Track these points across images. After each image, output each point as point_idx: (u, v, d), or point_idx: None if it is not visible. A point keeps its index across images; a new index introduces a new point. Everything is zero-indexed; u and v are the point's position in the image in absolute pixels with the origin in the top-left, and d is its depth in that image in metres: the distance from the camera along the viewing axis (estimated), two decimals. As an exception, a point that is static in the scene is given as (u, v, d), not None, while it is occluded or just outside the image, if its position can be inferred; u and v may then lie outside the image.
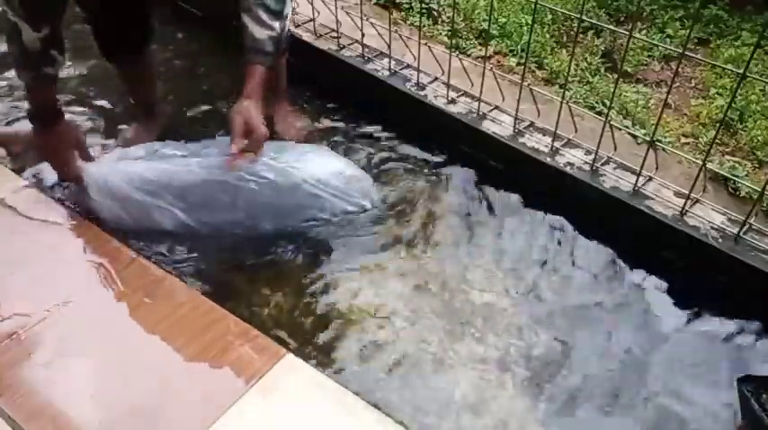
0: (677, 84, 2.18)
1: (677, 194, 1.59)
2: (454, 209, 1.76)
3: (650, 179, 1.63)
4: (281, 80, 1.95)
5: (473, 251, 1.64)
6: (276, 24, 1.44)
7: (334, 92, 2.12)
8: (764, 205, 1.64)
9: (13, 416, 1.13)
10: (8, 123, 1.98)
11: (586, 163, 1.68)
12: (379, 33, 2.05)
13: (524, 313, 1.50)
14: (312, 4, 2.19)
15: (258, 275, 1.56)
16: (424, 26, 2.34)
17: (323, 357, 1.40)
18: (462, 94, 1.92)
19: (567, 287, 1.57)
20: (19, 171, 1.76)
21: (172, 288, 1.38)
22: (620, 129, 1.78)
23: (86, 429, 1.13)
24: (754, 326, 1.46)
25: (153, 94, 1.96)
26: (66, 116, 1.54)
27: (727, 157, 1.88)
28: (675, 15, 2.44)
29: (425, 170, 1.87)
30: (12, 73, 2.10)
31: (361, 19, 2.02)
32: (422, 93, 1.93)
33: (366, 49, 2.07)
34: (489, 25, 1.96)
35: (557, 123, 1.68)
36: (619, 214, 1.61)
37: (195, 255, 1.60)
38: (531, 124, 1.81)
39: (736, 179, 1.68)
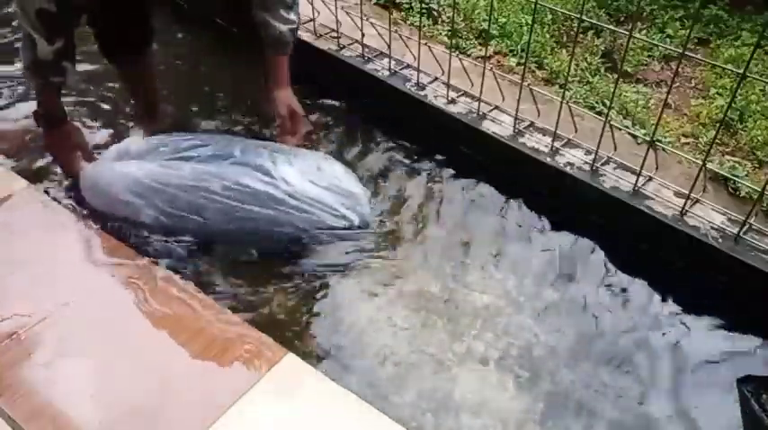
0: (677, 84, 2.18)
1: (677, 194, 1.59)
2: (453, 209, 1.76)
3: (650, 179, 1.63)
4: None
5: (473, 251, 1.64)
6: (293, 16, 1.60)
7: (334, 92, 2.12)
8: (764, 205, 1.64)
9: (13, 416, 1.13)
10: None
11: (586, 163, 1.68)
12: (379, 33, 2.05)
13: (524, 314, 1.50)
14: (312, 4, 2.19)
15: (258, 275, 1.56)
16: (424, 26, 2.34)
17: (323, 357, 1.40)
18: (462, 94, 1.92)
19: (567, 287, 1.57)
20: (19, 171, 1.76)
21: (172, 288, 1.38)
22: (620, 129, 1.78)
23: (86, 429, 1.13)
24: (754, 326, 1.46)
25: (153, 93, 1.97)
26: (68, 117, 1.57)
27: (727, 157, 1.88)
28: (675, 15, 2.44)
29: (425, 170, 1.87)
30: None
31: (361, 19, 2.02)
32: (422, 93, 1.93)
33: (366, 49, 2.07)
34: (489, 25, 1.96)
35: (557, 123, 1.68)
36: (619, 214, 1.61)
37: (196, 255, 1.60)
38: (531, 124, 1.81)
39: (736, 179, 1.68)
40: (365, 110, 2.03)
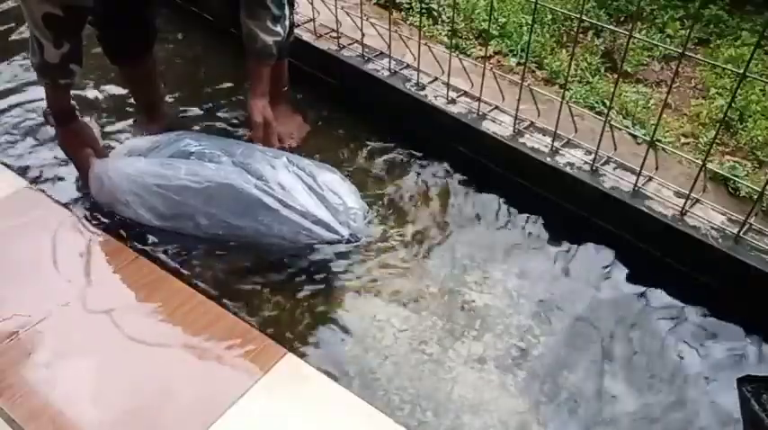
0: (677, 84, 2.18)
1: (677, 194, 1.59)
2: (453, 209, 1.76)
3: (650, 179, 1.63)
4: (281, 81, 1.96)
5: (472, 252, 1.64)
6: (279, 29, 1.60)
7: (334, 92, 2.12)
8: (764, 205, 1.64)
9: (13, 416, 1.14)
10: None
11: (586, 163, 1.68)
12: (379, 33, 2.06)
13: (523, 314, 1.50)
14: (312, 4, 2.19)
15: (258, 275, 1.56)
16: (424, 26, 2.34)
17: (323, 357, 1.40)
18: (462, 94, 1.92)
19: (567, 287, 1.57)
20: (19, 171, 1.76)
21: (172, 288, 1.39)
22: (620, 129, 1.78)
23: (86, 429, 1.13)
24: (754, 326, 1.46)
25: (156, 94, 1.97)
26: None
27: (727, 157, 1.88)
28: (675, 15, 2.44)
29: (424, 170, 1.87)
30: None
31: (361, 19, 2.02)
32: (422, 93, 1.93)
33: (366, 49, 2.07)
34: (489, 25, 1.96)
35: (557, 123, 1.68)
36: (619, 214, 1.61)
37: (195, 255, 1.60)
38: (531, 124, 1.81)
39: (736, 179, 1.68)
40: (365, 110, 2.03)
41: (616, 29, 2.10)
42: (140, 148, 1.66)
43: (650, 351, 1.44)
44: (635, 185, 1.60)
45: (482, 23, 2.35)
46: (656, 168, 1.64)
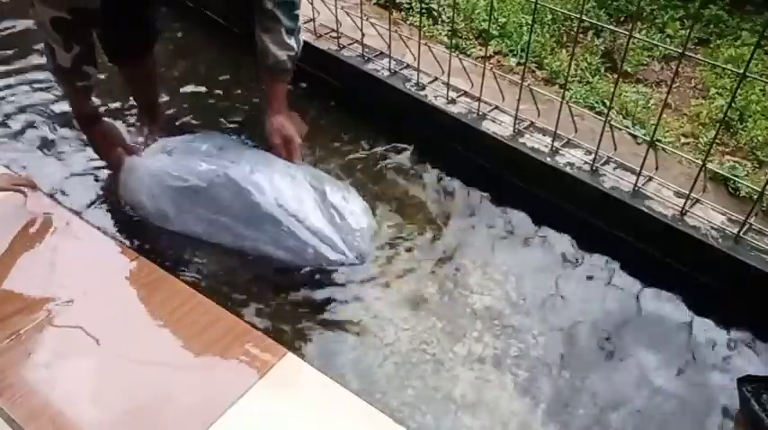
0: (677, 84, 2.18)
1: (677, 194, 1.59)
2: (452, 209, 1.76)
3: (650, 179, 1.63)
4: None
5: (472, 252, 1.64)
6: (293, 42, 1.58)
7: (334, 92, 2.12)
8: (764, 205, 1.63)
9: (13, 416, 1.13)
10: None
11: (586, 163, 1.68)
12: (379, 33, 2.05)
13: (523, 315, 1.50)
14: (312, 4, 2.19)
15: (259, 276, 1.56)
16: (424, 26, 2.34)
17: (323, 357, 1.40)
18: (462, 94, 1.92)
19: (567, 287, 1.57)
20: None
21: (172, 288, 1.38)
22: (620, 129, 1.78)
23: (86, 429, 1.13)
24: (753, 325, 1.46)
25: (156, 94, 1.97)
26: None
27: (727, 157, 1.88)
28: (675, 15, 2.44)
29: (424, 170, 1.87)
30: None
31: (361, 19, 2.02)
32: (422, 93, 1.93)
33: (366, 49, 2.07)
34: (489, 25, 1.96)
35: (557, 123, 1.68)
36: (619, 214, 1.61)
37: (196, 255, 1.60)
38: (531, 124, 1.81)
39: (736, 179, 1.68)
40: (365, 110, 2.03)
41: (616, 29, 2.10)
42: (172, 147, 1.67)
43: (650, 351, 1.44)
44: (635, 185, 1.60)
45: (482, 23, 2.35)
46: (656, 168, 1.64)
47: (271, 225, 1.53)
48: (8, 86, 2.14)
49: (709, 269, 1.51)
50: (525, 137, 1.77)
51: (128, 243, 1.60)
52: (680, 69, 2.19)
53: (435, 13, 2.43)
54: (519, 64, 2.21)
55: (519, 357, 1.41)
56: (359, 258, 1.57)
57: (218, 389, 1.18)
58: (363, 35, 2.05)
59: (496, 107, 1.86)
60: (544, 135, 1.77)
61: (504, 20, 2.37)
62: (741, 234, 1.48)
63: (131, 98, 2.02)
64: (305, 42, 2.10)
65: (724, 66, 1.89)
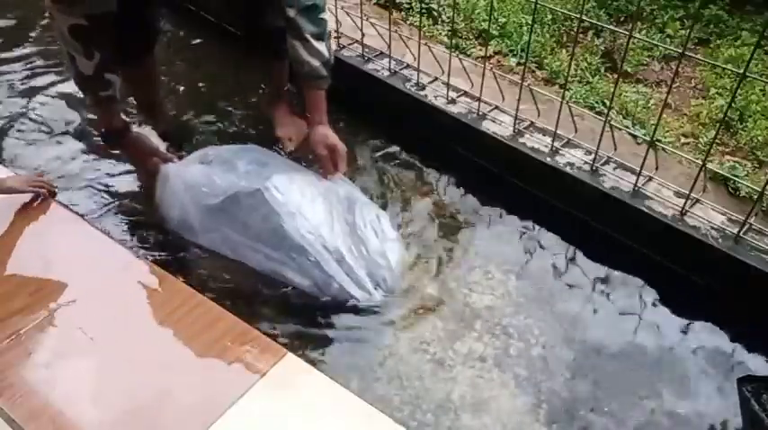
0: (677, 84, 2.18)
1: (677, 194, 1.59)
2: (452, 208, 1.76)
3: (650, 179, 1.63)
4: (282, 81, 1.95)
5: (472, 252, 1.64)
6: (323, 48, 1.53)
7: (334, 92, 2.11)
8: (764, 205, 1.63)
9: (13, 416, 1.13)
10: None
11: (586, 163, 1.68)
12: (379, 33, 2.05)
13: (523, 314, 1.50)
14: (312, 5, 2.19)
15: (259, 276, 1.56)
16: (424, 26, 2.34)
17: (323, 357, 1.40)
18: (462, 94, 1.92)
19: (567, 287, 1.57)
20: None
21: (172, 288, 1.38)
22: (620, 129, 1.78)
23: (86, 429, 1.13)
24: (753, 325, 1.46)
25: (157, 94, 1.97)
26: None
27: (727, 157, 1.88)
28: (675, 15, 2.44)
29: (424, 170, 1.87)
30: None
31: (361, 19, 2.02)
32: (422, 93, 1.93)
33: (366, 49, 2.07)
34: (489, 25, 1.96)
35: (557, 123, 1.68)
36: (619, 214, 1.61)
37: (196, 256, 1.60)
38: (531, 124, 1.81)
39: (736, 179, 1.68)
40: (365, 110, 2.03)
41: (616, 29, 2.10)
42: (213, 156, 1.62)
43: (650, 350, 1.44)
44: (635, 185, 1.60)
45: (482, 23, 2.35)
46: (656, 168, 1.64)
47: (297, 253, 1.48)
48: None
49: (710, 269, 1.51)
50: (525, 137, 1.77)
51: (128, 243, 1.60)
52: (680, 69, 2.19)
53: (435, 13, 2.43)
54: (519, 64, 2.21)
55: (519, 357, 1.41)
56: (386, 295, 1.51)
57: (218, 389, 1.18)
58: (363, 35, 2.05)
59: (496, 107, 1.86)
60: (544, 135, 1.77)
61: (504, 20, 2.37)
62: (741, 234, 1.48)
63: (131, 98, 2.02)
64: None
65: (724, 66, 1.88)
